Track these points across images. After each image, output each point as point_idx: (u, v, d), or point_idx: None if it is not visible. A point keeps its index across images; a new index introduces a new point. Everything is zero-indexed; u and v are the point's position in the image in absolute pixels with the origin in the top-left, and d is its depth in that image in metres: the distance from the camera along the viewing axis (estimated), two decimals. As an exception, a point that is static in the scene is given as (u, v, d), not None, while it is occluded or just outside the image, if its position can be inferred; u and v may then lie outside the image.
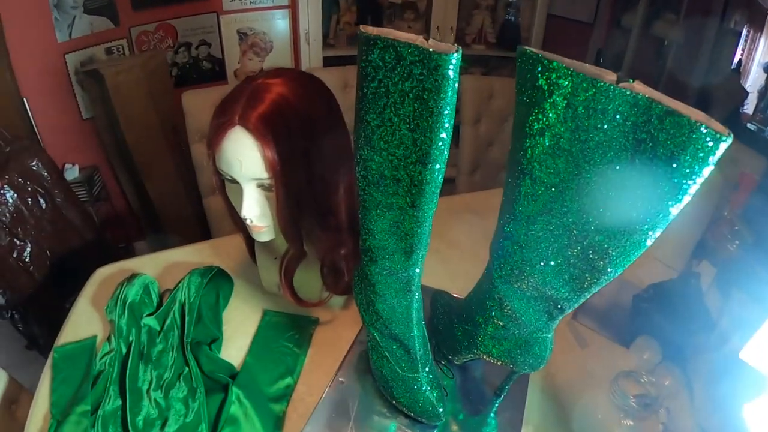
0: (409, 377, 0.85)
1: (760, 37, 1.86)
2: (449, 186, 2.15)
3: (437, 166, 0.61)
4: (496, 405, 0.92)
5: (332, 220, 0.98)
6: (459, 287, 0.97)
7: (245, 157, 0.84)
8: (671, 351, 0.97)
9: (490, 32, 2.97)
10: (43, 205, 1.86)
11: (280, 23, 2.60)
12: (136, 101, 2.11)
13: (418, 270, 0.75)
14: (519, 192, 0.62)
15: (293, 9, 2.56)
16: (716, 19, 2.17)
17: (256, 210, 0.90)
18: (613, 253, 0.57)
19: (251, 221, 0.91)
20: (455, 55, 0.53)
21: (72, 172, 2.36)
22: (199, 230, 2.51)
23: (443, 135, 0.58)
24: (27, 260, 1.81)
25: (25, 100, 2.19)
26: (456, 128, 2.16)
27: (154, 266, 1.27)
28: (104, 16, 2.29)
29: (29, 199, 1.82)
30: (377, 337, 0.86)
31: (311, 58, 2.58)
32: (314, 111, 0.89)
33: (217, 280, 1.15)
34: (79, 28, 2.24)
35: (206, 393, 0.95)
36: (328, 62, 2.61)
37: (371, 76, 0.59)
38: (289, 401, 0.96)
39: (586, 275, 0.62)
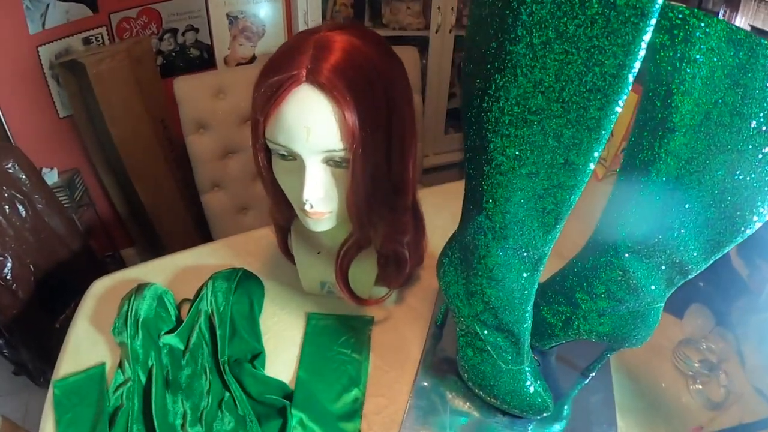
0: (514, 371, 0.77)
1: (735, 17, 1.86)
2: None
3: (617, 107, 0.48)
4: (578, 388, 0.87)
5: (401, 201, 0.83)
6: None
7: (315, 123, 0.66)
8: (720, 317, 0.98)
9: None
10: (23, 213, 1.66)
11: (272, 6, 2.44)
12: (121, 92, 1.92)
13: (551, 245, 0.65)
14: (659, 154, 0.55)
15: (286, -11, 2.42)
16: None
17: (320, 191, 0.73)
18: (760, 204, 0.53)
19: (312, 206, 0.73)
20: None
21: (51, 177, 2.17)
22: (197, 232, 2.38)
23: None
24: (8, 277, 1.61)
25: None
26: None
27: (161, 273, 1.09)
28: (81, 3, 2.10)
29: (6, 207, 1.62)
30: (479, 330, 0.76)
31: (311, 40, 2.40)
32: (392, 67, 0.72)
33: (245, 284, 0.97)
34: (53, 18, 2.06)
35: (259, 421, 0.79)
36: (328, 44, 2.45)
37: None
38: (361, 417, 0.82)
39: (726, 236, 0.58)
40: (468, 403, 0.83)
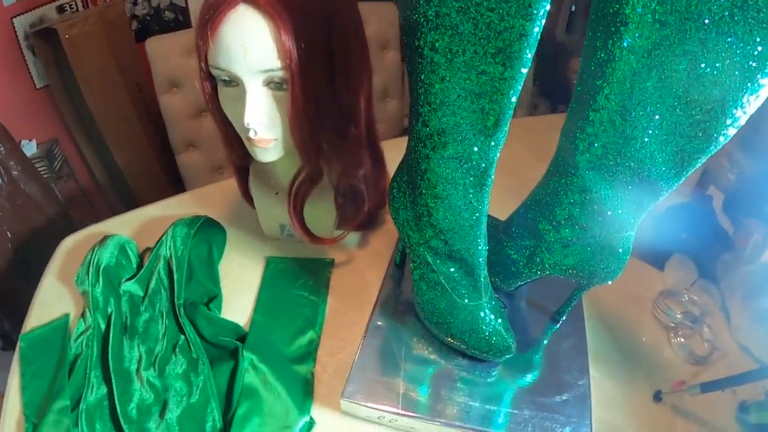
0: (471, 306, 0.73)
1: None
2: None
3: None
4: (549, 335, 0.83)
5: (353, 130, 0.81)
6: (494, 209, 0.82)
7: (251, 42, 0.65)
8: (703, 269, 0.96)
9: None
10: (-1, 181, 1.63)
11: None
12: (95, 57, 1.88)
13: (496, 155, 0.61)
14: (613, 52, 0.51)
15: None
16: None
17: (262, 115, 0.71)
18: (731, 105, 0.48)
19: (255, 132, 0.72)
20: None
21: (29, 148, 2.15)
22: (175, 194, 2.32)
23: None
24: (-17, 245, 1.58)
25: None
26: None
27: (128, 227, 1.08)
28: (54, -30, 2.05)
29: (-20, 175, 1.59)
30: (430, 259, 0.73)
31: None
32: None
33: (206, 230, 0.96)
34: None
35: (211, 363, 0.77)
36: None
37: None
38: (315, 360, 0.82)
39: (696, 144, 0.53)
40: (428, 347, 0.80)
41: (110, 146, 2.06)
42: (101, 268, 0.88)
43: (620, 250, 0.68)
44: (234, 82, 0.70)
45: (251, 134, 0.72)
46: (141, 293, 0.89)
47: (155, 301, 0.87)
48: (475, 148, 0.60)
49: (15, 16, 2.03)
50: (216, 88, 0.74)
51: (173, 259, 0.88)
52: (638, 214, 0.64)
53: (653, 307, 0.89)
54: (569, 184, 0.64)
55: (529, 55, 0.51)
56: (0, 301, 1.71)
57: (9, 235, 1.66)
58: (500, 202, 0.79)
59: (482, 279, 0.73)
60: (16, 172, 1.68)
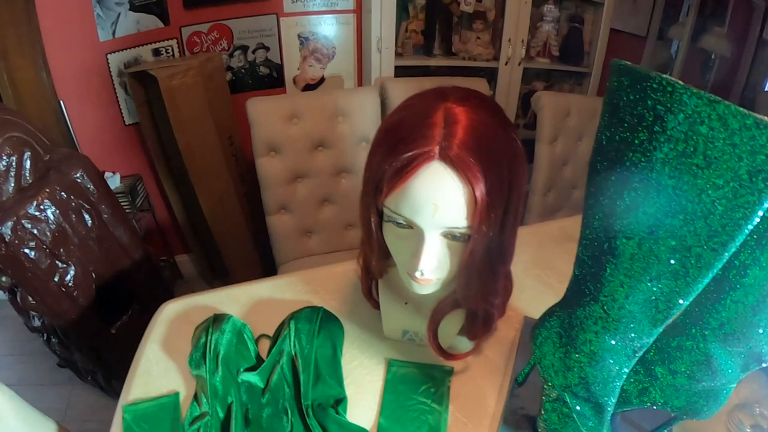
0: None
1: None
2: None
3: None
4: None
5: (503, 268, 0.82)
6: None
7: (444, 200, 0.65)
8: None
9: (554, 45, 2.85)
10: (89, 223, 1.68)
11: (344, 28, 2.45)
12: (191, 107, 1.93)
13: (654, 338, 0.65)
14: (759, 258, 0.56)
15: (359, 14, 2.41)
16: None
17: (434, 262, 0.71)
18: None
19: (422, 273, 0.72)
20: None
21: (113, 182, 2.22)
22: (256, 249, 2.38)
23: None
24: (70, 285, 1.62)
25: (62, 103, 2.07)
26: (531, 146, 2.03)
27: (234, 303, 1.07)
28: (152, 14, 2.14)
29: (73, 216, 1.63)
30: (568, 399, 0.75)
31: (383, 67, 2.41)
32: (514, 142, 0.70)
33: (327, 326, 0.95)
34: (123, 27, 2.10)
35: None
36: (397, 72, 2.46)
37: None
38: None
39: None
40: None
41: (195, 188, 2.09)
42: (220, 356, 0.87)
43: (722, 397, 0.72)
44: (408, 225, 0.70)
45: (417, 274, 0.72)
46: (261, 385, 0.88)
47: (278, 397, 0.86)
48: (641, 333, 0.62)
49: (110, 53, 2.12)
50: (381, 220, 0.75)
51: (298, 358, 0.88)
52: (744, 373, 0.68)
53: (727, 420, 0.89)
54: (695, 348, 0.68)
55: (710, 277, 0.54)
56: (76, 335, 1.72)
57: (93, 276, 1.70)
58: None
59: (608, 416, 0.75)
60: (106, 216, 1.72)
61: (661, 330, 0.63)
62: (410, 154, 0.64)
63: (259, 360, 0.92)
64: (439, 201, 0.64)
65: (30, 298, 1.58)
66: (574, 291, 0.68)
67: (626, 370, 0.69)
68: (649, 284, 0.56)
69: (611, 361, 0.68)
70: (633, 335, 0.64)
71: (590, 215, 0.58)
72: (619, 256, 0.56)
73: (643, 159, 0.48)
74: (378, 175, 0.68)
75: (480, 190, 0.63)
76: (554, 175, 2.25)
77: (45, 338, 1.86)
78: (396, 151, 0.65)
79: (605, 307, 0.63)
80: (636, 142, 0.48)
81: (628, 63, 0.47)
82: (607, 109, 0.51)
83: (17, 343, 2.28)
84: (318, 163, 1.75)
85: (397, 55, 2.45)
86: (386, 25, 2.29)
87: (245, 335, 0.93)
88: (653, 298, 0.58)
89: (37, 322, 1.79)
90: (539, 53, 2.84)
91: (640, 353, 0.67)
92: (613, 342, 0.66)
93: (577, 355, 0.71)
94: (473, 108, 0.67)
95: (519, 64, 2.54)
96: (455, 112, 0.65)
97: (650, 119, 0.45)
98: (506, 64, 2.51)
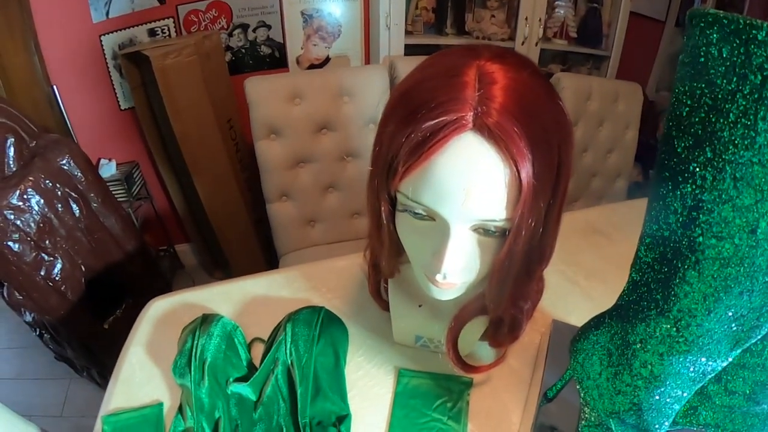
0: None
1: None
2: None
3: None
4: None
5: (539, 269, 0.69)
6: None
7: (478, 185, 0.51)
8: None
9: (572, 26, 2.71)
10: (77, 212, 1.58)
11: (350, 4, 2.33)
12: (186, 88, 1.82)
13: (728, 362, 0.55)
14: None
15: (366, -11, 2.30)
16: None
17: (460, 263, 0.58)
18: None
19: (445, 276, 0.58)
20: None
21: (109, 169, 2.14)
22: (258, 239, 2.30)
23: None
24: (57, 279, 1.53)
25: (54, 88, 2.01)
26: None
27: (226, 301, 0.97)
28: (148, -8, 2.04)
29: (59, 206, 1.54)
30: (613, 426, 0.65)
31: (391, 45, 2.27)
32: (562, 111, 0.57)
33: (328, 330, 0.84)
34: (117, 7, 2.01)
35: None
36: (407, 51, 2.32)
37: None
38: None
39: None
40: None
41: (193, 176, 2.01)
42: (207, 363, 0.77)
43: None
44: (429, 217, 0.57)
45: (439, 277, 0.59)
46: (253, 398, 0.78)
47: (272, 412, 0.77)
48: (715, 356, 0.52)
49: (104, 34, 2.03)
50: (394, 210, 0.62)
51: (295, 368, 0.77)
52: None
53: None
54: (758, 366, 0.61)
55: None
56: (67, 331, 1.65)
57: (83, 269, 1.62)
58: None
59: None
60: (95, 204, 1.63)
61: (739, 353, 0.52)
62: (434, 122, 0.50)
63: (252, 368, 0.82)
64: (471, 186, 0.51)
65: (16, 294, 1.50)
66: (632, 301, 0.57)
67: (688, 395, 0.59)
68: (739, 298, 0.45)
69: (673, 386, 0.57)
70: (706, 359, 0.53)
71: (662, 206, 0.46)
72: (703, 261, 0.44)
73: (744, 133, 0.36)
74: (391, 152, 0.54)
75: (527, 170, 0.50)
76: (573, 162, 2.14)
77: (38, 333, 1.79)
78: (415, 119, 0.51)
79: (678, 324, 0.51)
80: (734, 112, 0.36)
81: (718, 11, 0.35)
82: (686, 72, 0.38)
83: (16, 336, 2.24)
84: (322, 146, 1.64)
85: (407, 33, 2.33)
86: (395, 0, 2.16)
87: (236, 339, 0.84)
88: (740, 314, 0.47)
89: (28, 317, 1.71)
90: (556, 34, 2.71)
91: (708, 378, 0.56)
92: (678, 365, 0.55)
93: (631, 379, 0.60)
94: (513, 66, 0.53)
95: (536, 45, 2.42)
96: (491, 70, 0.52)
97: (757, 81, 0.34)
98: (523, 44, 2.38)
